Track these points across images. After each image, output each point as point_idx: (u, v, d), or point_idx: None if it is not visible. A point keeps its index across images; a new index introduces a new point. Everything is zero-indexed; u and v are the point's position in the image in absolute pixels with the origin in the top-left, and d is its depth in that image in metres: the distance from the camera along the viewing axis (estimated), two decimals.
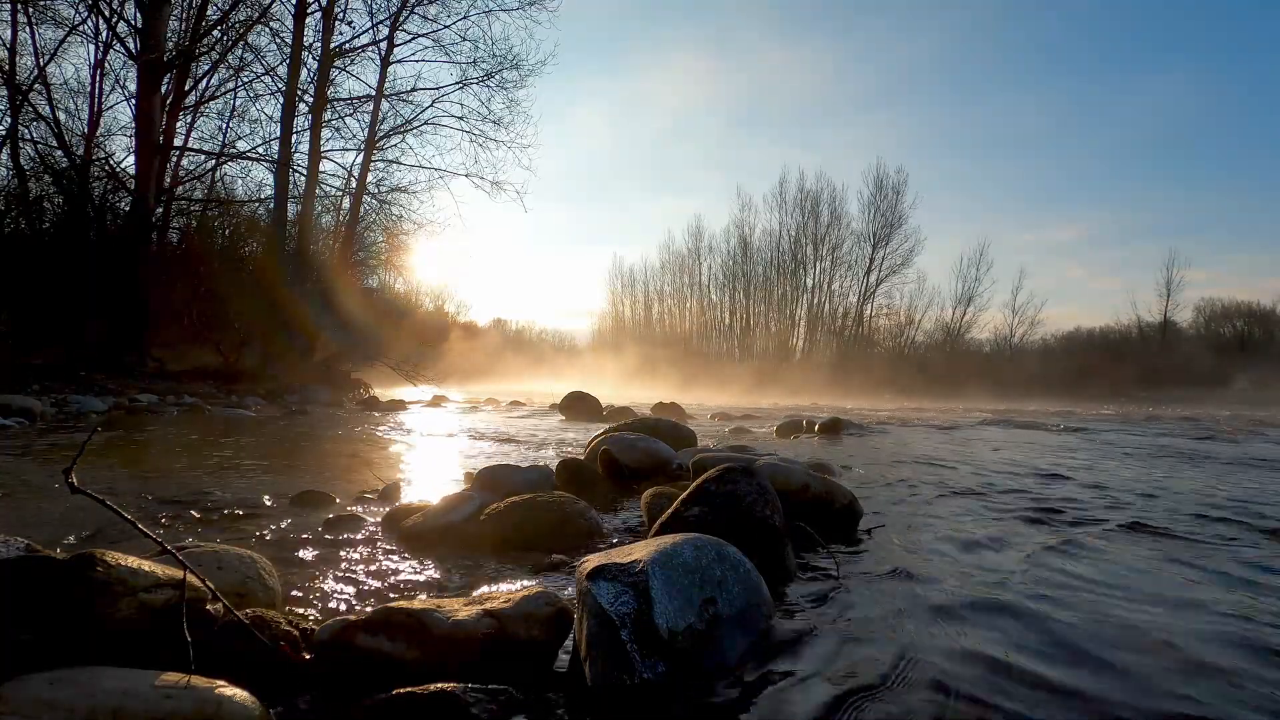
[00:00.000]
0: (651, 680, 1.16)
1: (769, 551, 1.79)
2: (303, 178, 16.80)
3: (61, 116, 15.21)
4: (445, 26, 18.09)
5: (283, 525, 2.43)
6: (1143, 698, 1.17)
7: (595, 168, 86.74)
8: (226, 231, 18.31)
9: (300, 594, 1.69)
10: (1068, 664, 1.30)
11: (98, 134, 16.62)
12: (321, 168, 17.32)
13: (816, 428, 8.02)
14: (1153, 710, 1.13)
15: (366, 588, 1.76)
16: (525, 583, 1.83)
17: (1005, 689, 1.19)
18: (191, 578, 1.22)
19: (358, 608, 1.61)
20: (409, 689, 1.07)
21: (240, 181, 20.74)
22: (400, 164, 19.26)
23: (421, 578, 1.86)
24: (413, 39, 18.31)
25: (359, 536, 2.30)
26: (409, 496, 2.98)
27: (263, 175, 20.70)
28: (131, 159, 14.47)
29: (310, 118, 16.88)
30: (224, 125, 19.06)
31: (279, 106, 16.66)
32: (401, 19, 17.89)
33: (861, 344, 43.15)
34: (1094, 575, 1.91)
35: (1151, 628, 1.50)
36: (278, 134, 16.62)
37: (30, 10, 14.36)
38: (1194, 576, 1.94)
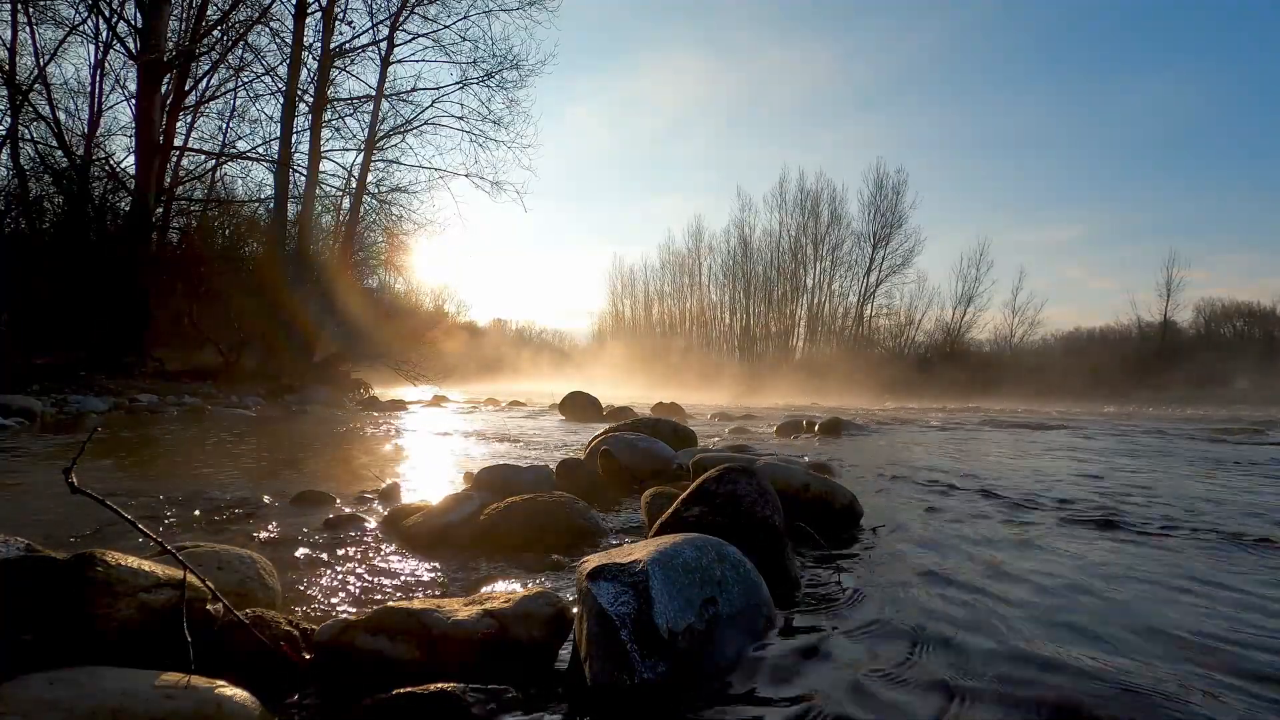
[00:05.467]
0: (651, 680, 1.16)
1: (769, 551, 1.79)
2: (303, 178, 16.81)
3: (61, 116, 15.23)
4: (445, 26, 18.12)
5: (283, 525, 2.43)
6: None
7: (595, 168, 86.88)
8: (226, 231, 18.32)
9: (300, 594, 1.69)
10: (1069, 665, 1.30)
11: (98, 134, 16.64)
12: (321, 168, 17.32)
13: (816, 428, 8.02)
14: None
15: (366, 588, 1.76)
16: (525, 583, 1.83)
17: (1005, 689, 1.19)
18: (191, 578, 1.22)
19: (358, 608, 1.60)
20: (409, 689, 1.07)
21: (240, 181, 20.77)
22: (400, 164, 19.30)
23: (421, 578, 1.86)
24: (413, 39, 18.33)
25: (359, 536, 2.30)
26: (409, 497, 2.98)
27: (263, 175, 20.74)
28: (131, 159, 14.50)
29: (310, 118, 16.89)
30: (224, 125, 19.10)
31: (279, 106, 16.69)
32: (401, 19, 17.91)
33: (861, 344, 43.12)
34: (1095, 574, 1.91)
35: (1173, 624, 1.50)
36: (278, 134, 16.65)
37: (30, 10, 14.37)
38: (1209, 587, 1.94)
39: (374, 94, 17.91)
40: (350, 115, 18.24)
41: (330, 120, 17.68)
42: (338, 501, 2.89)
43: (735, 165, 79.36)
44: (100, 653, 1.09)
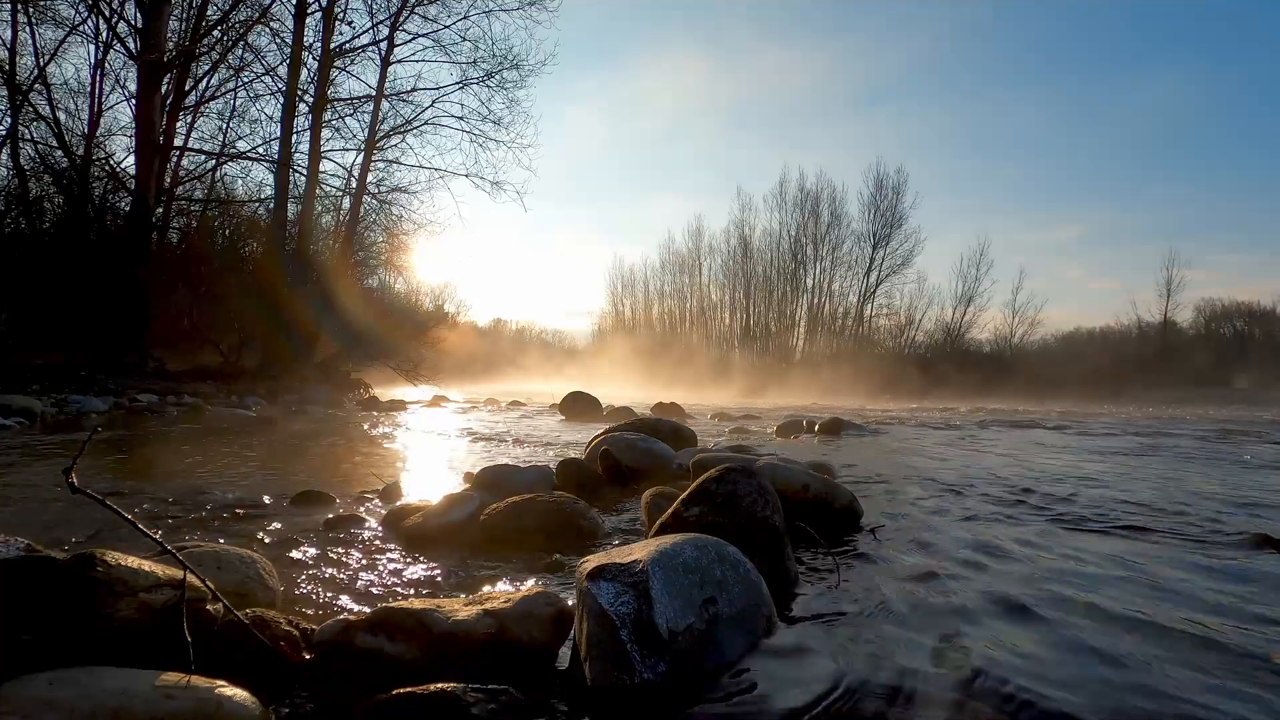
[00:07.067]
0: (652, 680, 1.16)
1: (769, 552, 1.79)
2: (303, 178, 16.82)
3: (61, 116, 15.22)
4: (445, 26, 18.13)
5: (283, 525, 2.43)
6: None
7: (595, 167, 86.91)
8: (226, 231, 18.33)
9: (300, 594, 1.69)
10: (1067, 669, 1.30)
11: (98, 134, 16.61)
12: (321, 168, 17.33)
13: (816, 428, 8.02)
14: None
15: (366, 588, 1.76)
16: (525, 583, 1.83)
17: (1004, 690, 1.19)
18: (191, 578, 1.22)
19: (358, 608, 1.60)
20: (409, 689, 1.07)
21: (240, 181, 20.71)
22: (400, 164, 19.29)
23: (421, 578, 1.86)
24: (413, 39, 18.34)
25: (359, 536, 2.30)
26: (409, 496, 2.98)
27: (263, 175, 20.70)
28: (131, 159, 14.49)
29: (310, 118, 16.89)
30: (224, 125, 19.06)
31: (279, 106, 16.70)
32: (401, 19, 17.91)
33: (862, 344, 43.09)
34: (1095, 574, 1.91)
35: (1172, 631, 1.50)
36: (278, 134, 16.66)
37: (30, 10, 14.38)
38: (1202, 583, 1.94)
39: (374, 94, 17.92)
40: (350, 115, 18.26)
41: (330, 120, 17.70)
42: (338, 501, 2.89)
43: (735, 165, 79.45)
44: (100, 653, 1.09)
